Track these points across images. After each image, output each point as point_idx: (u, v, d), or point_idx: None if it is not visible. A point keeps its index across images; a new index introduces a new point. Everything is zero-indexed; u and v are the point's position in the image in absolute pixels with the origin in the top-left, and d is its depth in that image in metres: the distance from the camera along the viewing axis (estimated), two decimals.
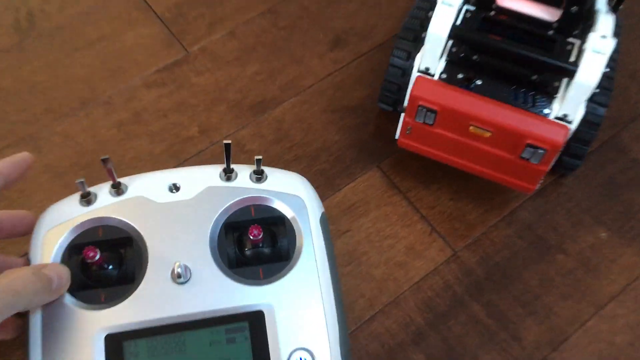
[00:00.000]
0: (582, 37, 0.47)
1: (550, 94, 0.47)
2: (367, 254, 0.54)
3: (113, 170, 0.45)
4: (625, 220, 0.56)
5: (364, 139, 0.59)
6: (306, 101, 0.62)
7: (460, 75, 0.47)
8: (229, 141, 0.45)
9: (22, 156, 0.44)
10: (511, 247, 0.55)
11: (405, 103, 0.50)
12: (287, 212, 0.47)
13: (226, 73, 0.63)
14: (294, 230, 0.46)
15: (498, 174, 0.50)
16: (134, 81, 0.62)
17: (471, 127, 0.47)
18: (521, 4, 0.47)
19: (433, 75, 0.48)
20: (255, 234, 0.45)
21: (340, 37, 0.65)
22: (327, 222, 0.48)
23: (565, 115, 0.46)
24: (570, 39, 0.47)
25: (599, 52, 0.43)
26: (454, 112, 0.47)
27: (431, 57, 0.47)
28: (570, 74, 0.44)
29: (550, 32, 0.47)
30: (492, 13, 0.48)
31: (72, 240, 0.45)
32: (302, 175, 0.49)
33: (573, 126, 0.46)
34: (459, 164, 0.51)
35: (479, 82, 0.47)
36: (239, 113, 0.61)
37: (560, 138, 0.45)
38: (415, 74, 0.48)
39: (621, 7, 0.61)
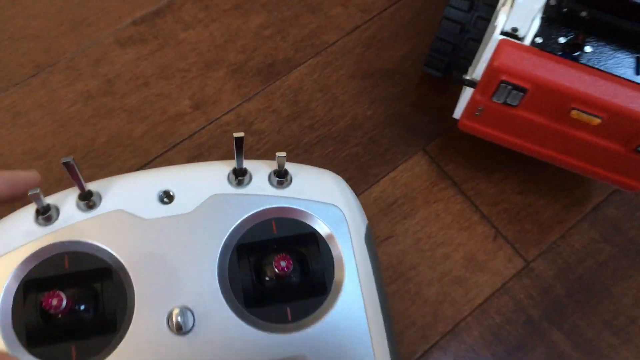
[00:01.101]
0: None
1: None
2: (416, 268, 0.42)
3: (79, 175, 0.32)
4: None
5: (405, 114, 0.46)
6: (329, 63, 0.48)
7: (562, 40, 0.34)
8: (242, 134, 0.32)
9: (27, 176, 0.32)
10: (597, 255, 0.43)
11: (477, 74, 0.37)
12: (322, 227, 0.35)
13: (223, 25, 0.48)
14: (331, 253, 0.34)
15: (600, 170, 0.38)
16: (103, 37, 0.47)
17: (574, 111, 0.34)
18: None
19: (523, 39, 0.34)
20: (282, 266, 0.32)
21: None
22: (372, 238, 0.36)
23: None
24: None
25: None
26: (552, 90, 0.34)
27: (523, 14, 0.33)
28: None
29: None
30: None
31: (28, 275, 0.32)
32: (328, 164, 0.37)
33: None
34: (546, 157, 0.39)
35: (587, 49, 0.34)
36: (243, 80, 0.47)
37: None
38: (497, 36, 0.35)
39: None
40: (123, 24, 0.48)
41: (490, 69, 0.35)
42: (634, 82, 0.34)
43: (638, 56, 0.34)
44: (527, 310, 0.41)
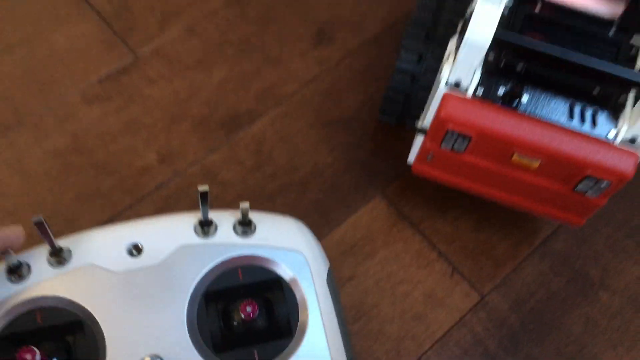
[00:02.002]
0: None
1: (614, 111, 0.37)
2: (377, 306, 0.44)
3: (50, 232, 0.33)
4: None
5: (363, 159, 0.49)
6: (289, 113, 0.50)
7: (501, 91, 0.37)
8: (206, 187, 0.34)
9: (13, 231, 0.33)
10: (547, 287, 0.46)
11: (426, 123, 0.40)
12: (285, 272, 0.37)
13: (187, 81, 0.51)
14: (295, 296, 0.36)
15: (543, 208, 0.41)
16: (70, 95, 0.49)
17: (515, 156, 0.37)
18: None
19: (466, 91, 0.37)
20: (248, 312, 0.34)
21: (324, 30, 0.54)
22: (334, 280, 0.38)
23: (634, 139, 0.36)
24: (635, 40, 0.38)
25: None
26: (494, 137, 0.37)
27: (465, 69, 0.36)
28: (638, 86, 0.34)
29: (611, 32, 0.37)
30: (537, 9, 0.38)
31: (1, 331, 0.33)
32: (291, 211, 0.39)
33: None
34: (494, 197, 0.42)
35: (524, 99, 0.37)
36: (207, 132, 0.49)
37: (630, 168, 0.36)
38: (442, 89, 0.37)
39: None
40: (89, 82, 0.50)
41: (437, 119, 0.38)
42: (567, 127, 0.37)
43: (570, 103, 0.37)
44: (484, 342, 0.43)
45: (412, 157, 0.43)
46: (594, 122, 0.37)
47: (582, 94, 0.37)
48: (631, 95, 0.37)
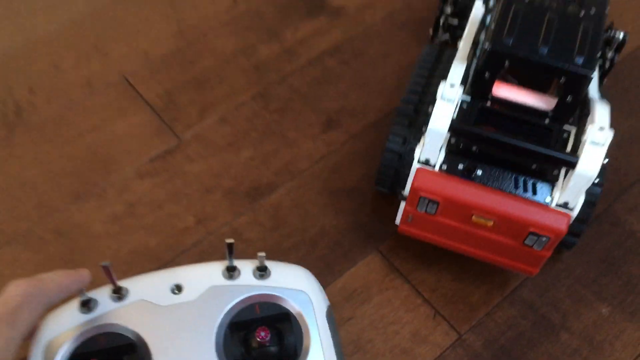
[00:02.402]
0: (578, 125, 0.48)
1: (550, 182, 0.47)
2: (372, 342, 0.53)
3: (113, 274, 0.44)
4: (626, 295, 0.56)
5: (362, 222, 0.59)
6: (302, 185, 0.62)
7: (460, 166, 0.48)
8: (232, 240, 0.45)
9: (82, 273, 0.43)
10: (515, 328, 0.54)
11: (406, 192, 0.50)
12: (293, 308, 0.46)
13: (220, 159, 0.63)
14: (300, 327, 0.46)
15: (501, 259, 0.51)
16: (127, 172, 0.61)
17: (474, 217, 0.47)
18: (516, 94, 0.48)
19: (434, 166, 0.48)
20: (262, 336, 0.44)
21: (332, 117, 0.66)
22: (333, 316, 0.48)
23: (566, 203, 0.46)
24: (566, 127, 0.48)
25: (598, 144, 0.44)
26: (456, 202, 0.47)
27: (431, 150, 0.47)
28: (571, 165, 0.44)
29: (546, 121, 0.48)
30: (488, 103, 0.49)
31: (74, 350, 0.44)
32: (302, 263, 0.49)
33: (574, 213, 0.47)
34: (463, 250, 0.52)
35: (479, 172, 0.48)
36: (235, 200, 0.60)
37: (563, 226, 0.46)
38: (415, 165, 0.48)
39: (604, 81, 0.63)
40: (142, 161, 0.62)
41: (412, 188, 0.48)
42: (514, 194, 0.47)
43: (515, 176, 0.48)
44: None
45: (398, 219, 0.53)
46: (534, 191, 0.47)
47: (524, 169, 0.48)
48: (562, 170, 0.47)
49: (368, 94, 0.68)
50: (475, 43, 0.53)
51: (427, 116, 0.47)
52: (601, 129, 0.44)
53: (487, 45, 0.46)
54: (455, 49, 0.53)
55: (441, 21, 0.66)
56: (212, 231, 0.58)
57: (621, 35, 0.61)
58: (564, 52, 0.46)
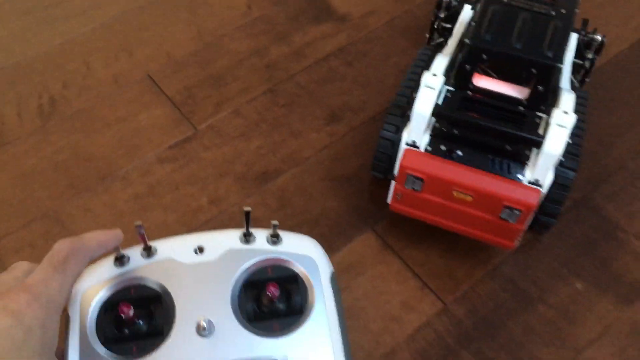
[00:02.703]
0: (549, 112, 0.54)
1: (522, 162, 0.53)
2: (364, 310, 0.59)
3: (144, 235, 0.50)
4: (600, 273, 0.61)
5: (360, 205, 0.65)
6: (305, 171, 0.68)
7: (443, 147, 0.54)
8: (249, 208, 0.51)
9: (116, 232, 0.49)
10: (496, 300, 0.60)
11: (396, 172, 0.56)
12: (301, 271, 0.52)
13: (232, 148, 0.69)
14: (306, 287, 0.51)
15: (481, 232, 0.56)
16: (149, 157, 0.68)
17: (454, 192, 0.53)
18: (494, 84, 0.54)
19: (419, 148, 0.54)
20: (272, 290, 0.50)
21: (335, 112, 0.72)
22: (336, 281, 0.53)
23: (536, 180, 0.52)
24: (539, 114, 0.54)
25: (562, 126, 0.49)
26: (439, 179, 0.53)
27: (417, 132, 0.53)
28: (538, 144, 0.50)
29: (521, 108, 0.54)
30: (470, 93, 0.55)
31: (108, 299, 0.50)
32: None
33: (544, 189, 0.52)
34: (446, 225, 0.57)
35: (459, 153, 0.53)
36: (245, 184, 0.67)
37: (534, 200, 0.51)
38: (403, 146, 0.54)
39: (587, 80, 0.69)
40: (162, 148, 0.69)
41: (401, 167, 0.54)
42: (490, 172, 0.53)
43: (491, 157, 0.53)
44: (445, 338, 0.57)
45: (389, 198, 0.59)
46: (508, 170, 0.53)
47: (499, 151, 0.53)
48: (534, 151, 0.53)
49: (369, 92, 0.74)
50: (461, 41, 0.59)
51: (413, 102, 0.53)
52: (565, 112, 0.49)
53: (467, 41, 0.52)
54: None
55: (435, 25, 0.72)
56: (223, 210, 0.65)
57: (600, 38, 0.66)
58: (535, 46, 0.51)
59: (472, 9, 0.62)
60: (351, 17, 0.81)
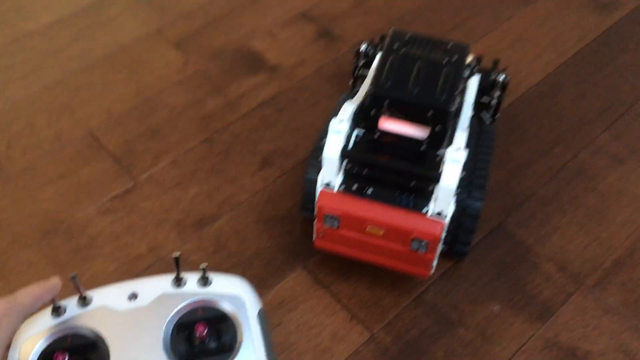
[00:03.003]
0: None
1: (426, 196, 0.58)
2: (296, 344, 0.62)
3: (79, 285, 0.53)
4: (514, 294, 0.66)
5: (292, 244, 0.69)
6: (240, 215, 0.72)
7: (355, 186, 0.58)
8: (178, 253, 0.54)
9: (53, 282, 0.51)
10: (420, 326, 0.64)
11: (316, 211, 0.61)
12: (229, 310, 0.55)
13: (170, 197, 0.73)
14: (235, 325, 0.55)
15: (397, 263, 0.60)
16: (90, 210, 0.72)
17: (368, 228, 0.58)
18: (398, 126, 0.59)
19: (333, 188, 0.58)
20: (201, 331, 0.53)
21: (268, 157, 0.77)
22: (265, 317, 0.57)
23: (440, 212, 0.57)
24: (439, 152, 0.59)
25: (455, 161, 0.54)
26: (352, 216, 0.57)
27: (330, 174, 0.58)
28: (435, 180, 0.55)
29: (423, 147, 0.59)
30: (377, 135, 0.60)
31: (45, 349, 0.52)
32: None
33: (447, 220, 0.57)
34: (365, 258, 0.61)
35: (370, 191, 0.58)
36: (182, 231, 0.70)
37: (438, 231, 0.56)
38: (319, 187, 0.59)
39: (497, 116, 0.75)
40: (103, 201, 0.72)
41: (317, 207, 0.59)
42: (398, 207, 0.58)
43: (398, 192, 0.58)
44: None
45: (314, 237, 0.64)
46: (414, 204, 0.58)
47: (405, 187, 0.58)
48: (436, 186, 0.58)
49: (299, 137, 0.79)
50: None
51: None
52: (457, 149, 0.55)
53: (370, 89, 0.58)
54: None
55: (356, 73, 0.78)
56: (162, 257, 0.68)
57: (502, 78, 0.73)
58: (430, 92, 0.57)
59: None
60: (282, 67, 0.86)
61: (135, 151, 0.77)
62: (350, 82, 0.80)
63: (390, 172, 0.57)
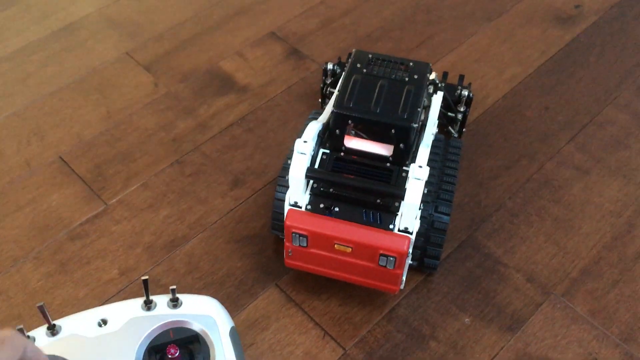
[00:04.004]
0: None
1: (392, 212, 0.58)
2: None
3: (47, 314, 0.53)
4: (484, 306, 0.67)
5: (263, 262, 0.70)
6: (212, 235, 0.72)
7: (322, 205, 0.59)
8: (146, 277, 0.55)
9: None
10: (392, 341, 0.64)
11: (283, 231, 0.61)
12: (201, 330, 0.56)
13: (141, 220, 0.73)
14: (207, 345, 0.55)
15: (366, 280, 0.61)
16: (60, 236, 0.71)
17: (336, 245, 0.58)
18: (363, 144, 0.60)
19: (301, 207, 0.59)
20: (172, 352, 0.53)
21: (238, 177, 0.77)
22: (237, 334, 0.57)
23: (406, 228, 0.57)
24: (405, 168, 0.60)
25: (418, 179, 0.55)
26: (320, 235, 0.58)
27: (296, 193, 0.58)
28: (399, 197, 0.56)
29: (388, 164, 0.60)
30: (342, 153, 0.61)
31: None
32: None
33: (413, 235, 0.58)
34: (335, 275, 0.62)
35: (337, 209, 0.59)
36: (154, 253, 0.70)
37: (404, 247, 0.57)
38: (287, 207, 0.59)
39: (464, 130, 0.76)
40: (73, 226, 0.72)
41: (286, 226, 0.59)
42: (365, 224, 0.58)
43: (365, 210, 0.59)
44: None
45: (285, 256, 0.64)
46: (380, 220, 0.58)
47: (371, 204, 0.59)
48: (402, 202, 0.59)
49: (270, 156, 0.80)
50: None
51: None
52: (420, 167, 0.56)
53: (333, 109, 0.59)
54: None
55: (325, 91, 0.79)
56: (134, 280, 0.68)
57: (466, 93, 0.74)
58: (392, 110, 0.58)
59: None
60: (252, 87, 0.87)
61: (106, 175, 0.77)
62: (319, 100, 0.81)
63: (356, 190, 0.58)
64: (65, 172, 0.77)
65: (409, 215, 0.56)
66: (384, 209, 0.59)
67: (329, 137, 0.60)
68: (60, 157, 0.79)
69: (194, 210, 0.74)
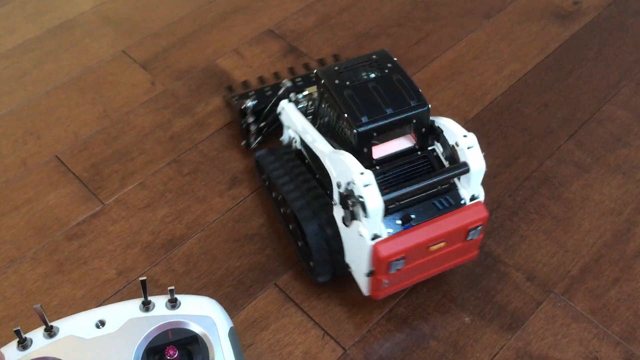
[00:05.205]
0: (440, 141, 0.60)
1: (453, 189, 0.59)
2: None
3: (44, 316, 0.53)
4: (484, 305, 0.66)
5: (262, 262, 0.69)
6: (210, 235, 0.71)
7: (397, 221, 0.58)
8: (144, 277, 0.54)
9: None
10: (392, 340, 0.64)
11: (366, 269, 0.59)
12: (200, 330, 0.55)
13: (139, 219, 0.73)
14: (207, 346, 0.55)
15: (454, 261, 0.62)
16: (57, 236, 0.71)
17: (431, 247, 0.58)
18: (387, 148, 0.60)
19: (381, 236, 0.57)
20: (171, 354, 0.53)
21: (236, 176, 0.77)
22: (236, 335, 0.57)
23: (473, 196, 0.59)
24: (430, 148, 0.61)
25: (472, 146, 0.56)
26: (415, 247, 0.57)
27: (376, 224, 0.56)
28: (466, 172, 0.57)
29: (418, 153, 0.60)
30: (377, 167, 0.60)
31: None
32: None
33: (482, 199, 0.59)
34: (424, 277, 0.62)
35: (413, 215, 0.58)
36: (152, 253, 0.70)
37: (485, 212, 0.58)
38: (369, 244, 0.56)
39: None
40: (70, 226, 0.72)
41: (379, 260, 0.56)
42: (442, 214, 0.57)
43: (435, 201, 0.58)
44: None
45: (366, 291, 0.61)
46: (449, 202, 0.58)
47: (434, 194, 0.59)
48: (456, 178, 0.59)
49: None
50: (330, 132, 0.63)
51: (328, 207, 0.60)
52: (465, 135, 0.57)
53: (353, 131, 0.57)
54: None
55: (252, 129, 0.76)
56: (131, 280, 0.68)
57: None
58: (403, 103, 0.58)
59: (290, 101, 0.70)
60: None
61: (103, 174, 0.77)
62: (243, 143, 0.79)
63: (418, 191, 0.57)
64: (62, 171, 0.77)
65: (475, 183, 0.58)
66: (445, 192, 0.59)
67: (359, 158, 0.58)
68: (57, 157, 0.78)
69: (192, 210, 0.74)
